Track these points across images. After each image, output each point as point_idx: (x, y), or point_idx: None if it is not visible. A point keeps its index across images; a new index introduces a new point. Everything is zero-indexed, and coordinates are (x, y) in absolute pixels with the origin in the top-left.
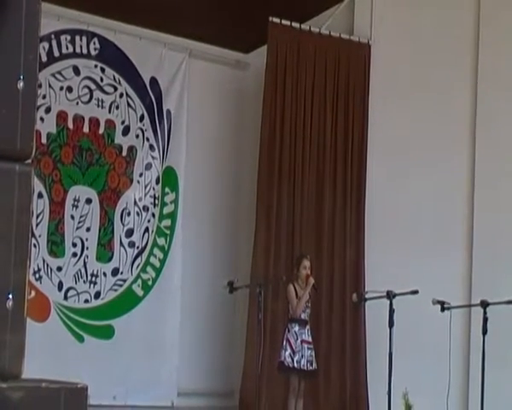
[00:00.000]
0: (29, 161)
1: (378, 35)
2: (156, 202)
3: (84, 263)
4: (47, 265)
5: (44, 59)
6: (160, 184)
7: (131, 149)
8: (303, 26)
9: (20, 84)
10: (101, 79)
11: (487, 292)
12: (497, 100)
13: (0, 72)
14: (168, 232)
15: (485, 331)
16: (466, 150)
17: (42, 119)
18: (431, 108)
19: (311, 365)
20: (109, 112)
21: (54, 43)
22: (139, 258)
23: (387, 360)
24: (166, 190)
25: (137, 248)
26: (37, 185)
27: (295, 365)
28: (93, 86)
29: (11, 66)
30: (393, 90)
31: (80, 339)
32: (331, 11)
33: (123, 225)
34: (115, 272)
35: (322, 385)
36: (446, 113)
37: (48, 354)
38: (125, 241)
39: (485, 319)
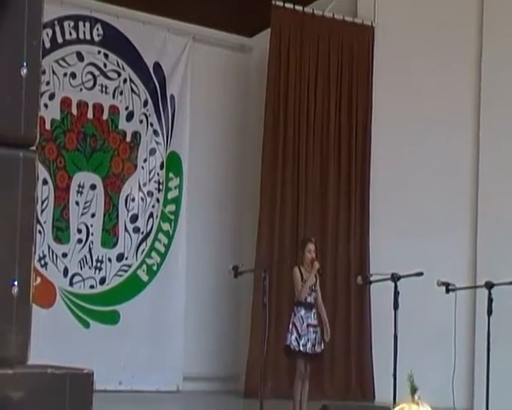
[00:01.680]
0: (33, 147)
1: (382, 17)
2: (160, 187)
3: (89, 249)
4: (52, 251)
5: (48, 45)
6: (164, 170)
7: (135, 134)
8: (306, 9)
9: (24, 71)
10: (105, 65)
11: (492, 273)
12: (500, 79)
13: (3, 58)
14: (173, 217)
15: (490, 312)
16: (471, 130)
17: (46, 105)
18: (435, 87)
19: (317, 348)
20: (113, 98)
21: (57, 29)
22: (144, 243)
23: (392, 342)
24: (170, 175)
25: (142, 233)
26: (42, 172)
27: (301, 348)
28: (97, 72)
29: (14, 52)
30: (397, 71)
31: (86, 325)
32: None
33: (127, 210)
34: (120, 257)
35: (328, 368)
36: (450, 92)
37: (53, 339)
38: (130, 226)
39: (491, 300)
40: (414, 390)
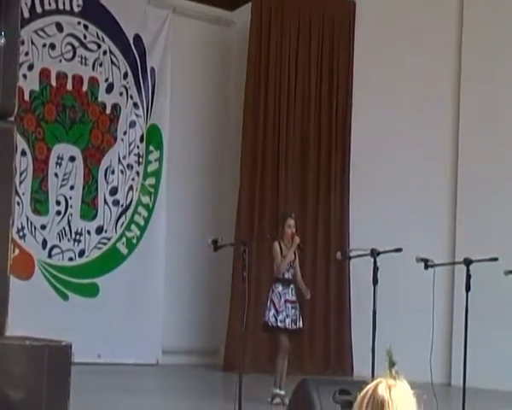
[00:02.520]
0: (12, 118)
1: None
2: (140, 160)
3: (68, 221)
4: (31, 223)
5: (27, 15)
6: (145, 142)
7: (115, 106)
8: None
9: (2, 41)
10: (85, 37)
11: (471, 250)
12: (481, 52)
13: None
14: (152, 191)
15: (468, 288)
16: (451, 108)
17: (24, 76)
18: (416, 62)
19: (296, 324)
20: (93, 69)
21: None
22: (123, 216)
23: (371, 317)
24: (151, 148)
25: (122, 206)
26: (21, 143)
27: (279, 324)
28: (76, 43)
29: None
30: (378, 45)
31: (65, 297)
32: None
33: (107, 183)
34: (99, 230)
35: (307, 343)
36: (431, 67)
37: (32, 311)
38: (110, 199)
39: (469, 277)
40: (392, 365)
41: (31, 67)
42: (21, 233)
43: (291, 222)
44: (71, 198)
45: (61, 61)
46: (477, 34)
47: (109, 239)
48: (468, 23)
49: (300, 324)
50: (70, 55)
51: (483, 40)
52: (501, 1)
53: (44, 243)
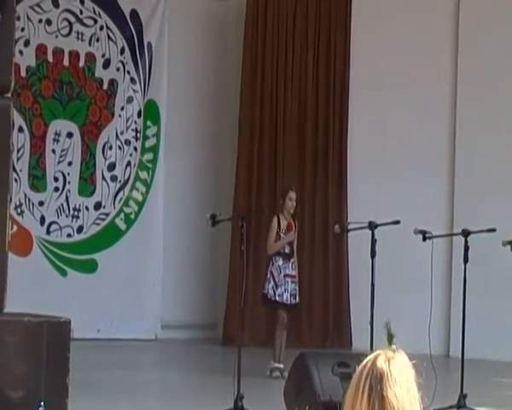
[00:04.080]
0: (8, 94)
1: None
2: (138, 135)
3: (67, 197)
4: (29, 199)
5: None
6: (142, 118)
7: (112, 82)
8: None
9: None
10: (81, 12)
11: (469, 221)
12: (477, 31)
13: None
14: (150, 166)
15: (466, 260)
16: (448, 83)
17: (21, 52)
18: (412, 42)
19: (294, 298)
20: (89, 45)
21: None
22: (121, 192)
23: (370, 290)
24: (148, 123)
25: (120, 182)
26: (18, 119)
27: (277, 298)
28: (72, 19)
29: None
30: (375, 25)
31: (63, 273)
32: None
33: (105, 158)
34: (98, 206)
35: (306, 316)
36: (427, 44)
37: (31, 288)
38: (107, 175)
39: (467, 248)
40: (390, 338)
41: (27, 43)
42: (19, 210)
43: (292, 195)
44: (69, 174)
45: (57, 36)
46: (475, 15)
47: (107, 215)
48: (465, 6)
49: (298, 299)
50: (66, 30)
51: (479, 11)
52: None
53: (42, 219)
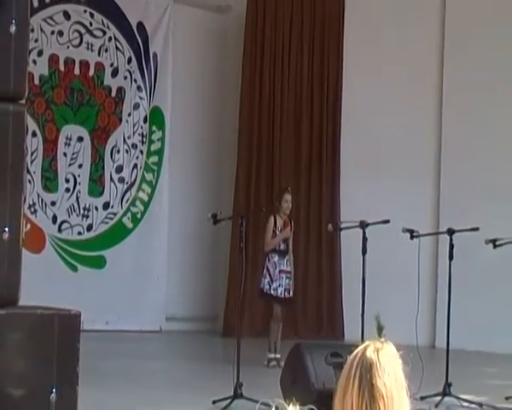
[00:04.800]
0: (22, 101)
1: None
2: (144, 139)
3: (77, 198)
4: (41, 199)
5: (36, 4)
6: (148, 123)
7: (120, 90)
8: None
9: (13, 29)
10: (91, 24)
11: (453, 221)
12: (463, 36)
13: None
14: (155, 168)
15: (451, 257)
16: (435, 89)
17: (34, 61)
18: (402, 43)
19: (289, 293)
20: (99, 55)
21: None
22: (128, 192)
23: (361, 285)
24: (153, 128)
25: (127, 183)
26: (31, 125)
27: (272, 292)
28: (83, 30)
29: (3, 11)
30: (367, 28)
31: (74, 269)
32: None
33: (113, 161)
34: (106, 205)
35: (301, 309)
36: (416, 47)
37: (43, 283)
38: (115, 176)
39: (452, 246)
40: (380, 330)
41: (40, 53)
42: (33, 209)
43: (288, 197)
44: (79, 176)
45: (68, 47)
46: (459, 10)
47: (115, 214)
48: (451, 12)
49: (292, 294)
50: (77, 41)
51: (464, 16)
52: None
53: (54, 218)
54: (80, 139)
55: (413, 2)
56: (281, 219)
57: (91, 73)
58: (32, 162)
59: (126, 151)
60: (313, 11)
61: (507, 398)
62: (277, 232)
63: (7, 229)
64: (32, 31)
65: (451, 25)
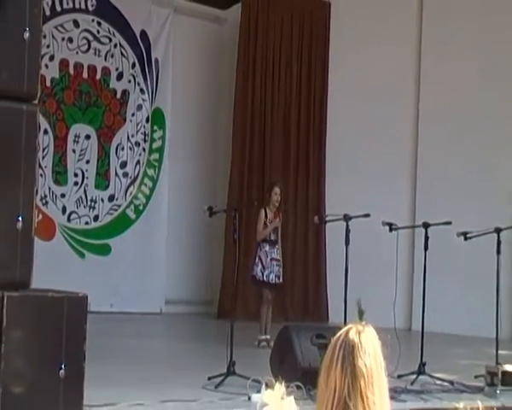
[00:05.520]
0: (35, 101)
1: None
2: (146, 138)
3: (85, 190)
4: (52, 192)
5: (48, 13)
6: (150, 123)
7: (124, 92)
8: None
9: (26, 35)
10: (98, 32)
11: (428, 215)
12: (438, 42)
13: (8, 24)
14: (156, 164)
15: (426, 248)
16: (412, 100)
17: (46, 65)
18: (382, 54)
19: (279, 279)
20: (105, 60)
21: None
22: (132, 186)
23: (344, 272)
24: (155, 127)
25: (130, 177)
26: (43, 123)
27: (264, 279)
28: (91, 38)
29: (18, 19)
30: (350, 38)
31: (81, 256)
32: None
33: (117, 158)
34: (111, 198)
35: (289, 295)
36: (396, 59)
37: (54, 268)
38: (120, 172)
39: (427, 238)
40: (361, 313)
41: (52, 58)
42: (44, 201)
43: (277, 190)
44: (87, 171)
45: (77, 52)
46: (434, 26)
47: (119, 206)
48: (427, 16)
49: (282, 279)
50: (85, 47)
51: (439, 30)
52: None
53: (64, 209)
54: (88, 137)
55: (391, 21)
56: (271, 212)
57: (98, 76)
58: (43, 158)
59: (130, 148)
60: (302, 23)
61: (476, 376)
62: (268, 224)
63: (20, 218)
64: (45, 37)
65: (427, 39)
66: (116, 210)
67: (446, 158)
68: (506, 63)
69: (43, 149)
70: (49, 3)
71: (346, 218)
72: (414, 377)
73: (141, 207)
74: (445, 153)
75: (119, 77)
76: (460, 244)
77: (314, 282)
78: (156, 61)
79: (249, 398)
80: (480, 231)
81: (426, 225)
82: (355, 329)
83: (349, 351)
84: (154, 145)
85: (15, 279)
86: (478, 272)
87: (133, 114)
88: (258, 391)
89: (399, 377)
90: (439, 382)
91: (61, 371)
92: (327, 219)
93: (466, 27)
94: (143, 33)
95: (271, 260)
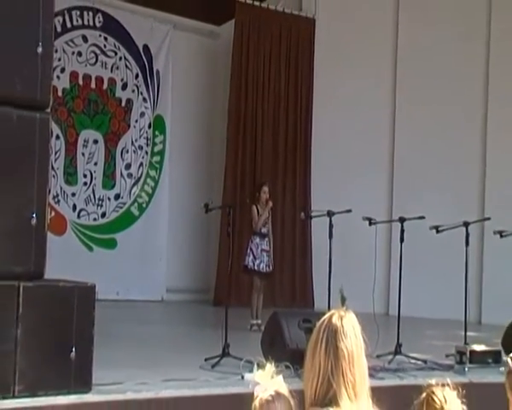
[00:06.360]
0: (48, 110)
1: (321, 11)
2: (148, 142)
3: (93, 190)
4: (63, 191)
5: (59, 29)
6: (152, 129)
7: (129, 101)
8: (263, 5)
9: (39, 49)
10: (105, 46)
11: (404, 210)
12: (413, 47)
13: (23, 39)
14: (158, 166)
15: (402, 240)
16: (389, 105)
17: (58, 77)
18: (361, 64)
19: (269, 268)
20: (111, 72)
21: (66, 16)
22: (136, 186)
23: (328, 263)
24: (156, 132)
25: (134, 178)
26: (55, 129)
27: (255, 268)
28: (98, 51)
29: (32, 34)
30: (333, 53)
31: (90, 249)
32: None
33: (123, 160)
34: (117, 197)
35: (278, 283)
36: (373, 71)
37: (65, 260)
38: (125, 173)
39: (402, 231)
40: (343, 300)
41: (63, 70)
42: (56, 199)
43: (265, 189)
44: (95, 172)
45: (86, 65)
46: (409, 40)
47: (124, 204)
48: (402, 32)
49: (271, 268)
50: (93, 60)
51: (413, 44)
52: (435, 24)
53: (74, 207)
54: (96, 142)
55: (370, 35)
56: (261, 209)
57: (105, 86)
58: (55, 160)
59: (134, 152)
60: (289, 37)
61: (447, 356)
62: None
63: (34, 215)
64: (56, 51)
65: (402, 53)
66: (121, 208)
67: (420, 158)
68: (472, 76)
69: (56, 153)
70: (61, 21)
71: (330, 213)
72: (391, 356)
73: (144, 205)
74: (419, 154)
75: (124, 87)
76: (432, 237)
77: (301, 271)
78: (157, 72)
79: (242, 377)
80: (450, 225)
81: (401, 220)
82: (337, 314)
83: (332, 334)
84: (156, 149)
85: (30, 271)
86: (449, 262)
87: (136, 121)
88: (251, 371)
89: (378, 357)
90: (413, 361)
91: (72, 354)
92: (312, 214)
93: (438, 42)
94: (146, 47)
95: (261, 251)
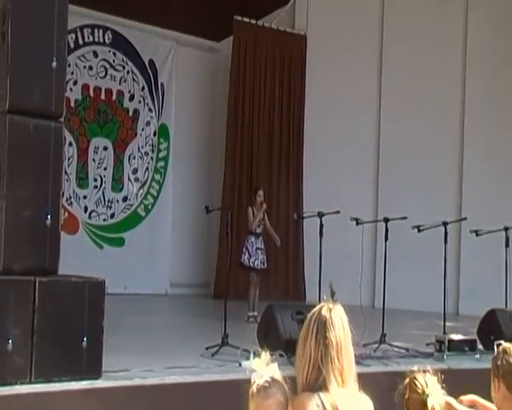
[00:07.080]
0: (61, 119)
1: (312, 29)
2: (154, 149)
3: (103, 193)
4: (76, 194)
5: (72, 46)
6: (157, 136)
7: (135, 111)
8: (259, 22)
9: (54, 64)
10: (114, 61)
11: (388, 211)
12: (397, 56)
13: (39, 54)
14: (162, 171)
15: (386, 239)
16: (373, 111)
17: (71, 89)
18: (348, 74)
19: (264, 264)
20: (119, 84)
21: (79, 34)
22: (142, 189)
23: (318, 260)
24: (161, 140)
25: (141, 182)
26: (68, 137)
27: (251, 265)
28: (107, 66)
29: (47, 50)
30: (324, 68)
31: (100, 247)
32: (280, 10)
33: (130, 165)
34: (125, 199)
35: (273, 278)
36: (360, 80)
37: (77, 258)
38: (132, 177)
39: (387, 230)
40: (333, 293)
41: (75, 83)
42: (69, 201)
43: (260, 192)
44: (104, 176)
45: (96, 78)
46: (393, 52)
47: (132, 206)
48: (387, 46)
49: (266, 265)
50: (103, 74)
51: (398, 55)
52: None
53: (86, 208)
54: (105, 148)
55: (356, 48)
56: (256, 210)
57: (114, 98)
58: (68, 166)
59: (140, 157)
60: (283, 52)
61: (427, 344)
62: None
63: (49, 216)
64: (69, 66)
65: (387, 65)
66: (129, 209)
67: (403, 162)
68: (449, 82)
69: (68, 159)
70: (73, 37)
71: (320, 214)
72: (376, 345)
73: (149, 207)
74: (402, 159)
75: (131, 98)
76: (414, 235)
77: (294, 267)
78: (162, 84)
79: (240, 365)
80: (430, 224)
81: (386, 220)
82: (326, 307)
83: (322, 325)
84: (161, 155)
85: (45, 267)
86: (429, 258)
87: (143, 129)
88: (248, 359)
89: (364, 345)
90: (396, 349)
91: (84, 343)
92: (304, 215)
93: (417, 55)
94: (151, 62)
95: (256, 249)
